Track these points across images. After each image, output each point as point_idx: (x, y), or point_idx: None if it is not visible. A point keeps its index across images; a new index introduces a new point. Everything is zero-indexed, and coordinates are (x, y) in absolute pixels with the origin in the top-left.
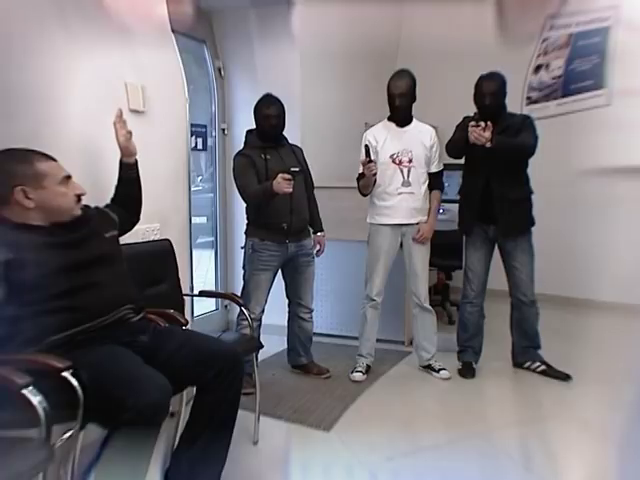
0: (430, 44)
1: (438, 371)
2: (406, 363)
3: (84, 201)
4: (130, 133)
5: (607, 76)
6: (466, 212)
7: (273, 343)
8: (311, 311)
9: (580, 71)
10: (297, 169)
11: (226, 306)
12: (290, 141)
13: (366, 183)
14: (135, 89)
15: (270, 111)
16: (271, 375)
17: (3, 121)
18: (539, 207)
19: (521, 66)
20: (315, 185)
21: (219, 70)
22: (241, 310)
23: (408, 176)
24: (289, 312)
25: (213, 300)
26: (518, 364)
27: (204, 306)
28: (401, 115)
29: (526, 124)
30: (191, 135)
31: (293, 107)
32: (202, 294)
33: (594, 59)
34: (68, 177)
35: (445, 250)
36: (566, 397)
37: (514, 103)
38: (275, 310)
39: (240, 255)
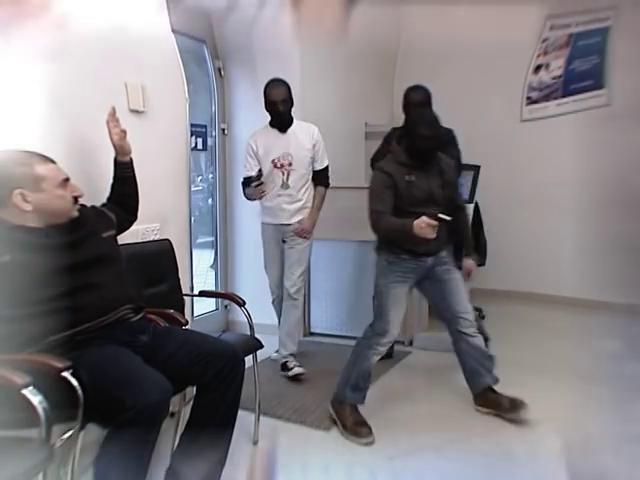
0: (430, 44)
1: (291, 369)
2: (406, 363)
3: (81, 201)
4: (124, 132)
5: (607, 76)
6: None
7: (273, 343)
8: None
9: (580, 71)
10: (448, 218)
11: (226, 306)
12: None
13: (253, 197)
14: (135, 89)
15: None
16: (271, 375)
17: (2, 121)
18: (538, 207)
19: (521, 66)
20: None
21: (219, 70)
22: (242, 311)
23: (287, 179)
24: (450, 331)
25: (213, 300)
26: None
27: (204, 306)
28: (283, 121)
29: (450, 138)
30: (191, 135)
31: (293, 107)
32: (202, 294)
33: (594, 59)
34: (67, 179)
35: None
36: (566, 397)
37: (514, 103)
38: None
39: (240, 255)
